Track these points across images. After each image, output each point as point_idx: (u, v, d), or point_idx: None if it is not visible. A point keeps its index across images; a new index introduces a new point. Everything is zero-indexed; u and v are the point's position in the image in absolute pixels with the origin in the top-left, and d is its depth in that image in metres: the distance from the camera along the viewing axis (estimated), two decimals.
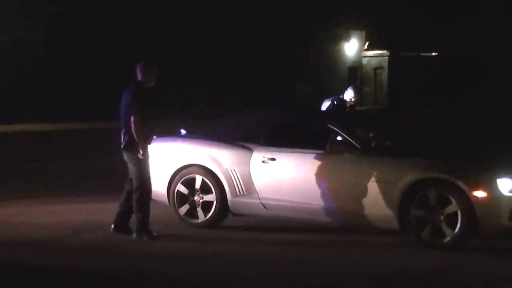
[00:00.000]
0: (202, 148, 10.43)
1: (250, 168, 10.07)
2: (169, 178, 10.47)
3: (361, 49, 42.49)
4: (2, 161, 17.70)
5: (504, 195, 8.95)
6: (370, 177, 9.42)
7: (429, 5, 41.83)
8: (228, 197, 10.18)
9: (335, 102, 12.95)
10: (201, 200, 10.31)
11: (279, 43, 36.19)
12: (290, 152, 9.96)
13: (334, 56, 40.81)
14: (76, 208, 12.03)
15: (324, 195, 9.68)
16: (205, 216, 10.28)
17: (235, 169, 10.14)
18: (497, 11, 39.71)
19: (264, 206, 10.05)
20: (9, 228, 10.45)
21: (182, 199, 10.43)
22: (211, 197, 10.26)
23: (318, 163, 9.72)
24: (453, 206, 9.03)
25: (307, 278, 8.07)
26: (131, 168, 9.69)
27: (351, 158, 9.61)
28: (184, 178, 10.42)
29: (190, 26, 33.24)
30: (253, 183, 10.07)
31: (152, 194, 9.83)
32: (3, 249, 9.28)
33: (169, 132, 11.07)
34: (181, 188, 10.42)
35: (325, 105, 12.94)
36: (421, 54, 42.95)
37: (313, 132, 10.32)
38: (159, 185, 10.37)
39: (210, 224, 10.27)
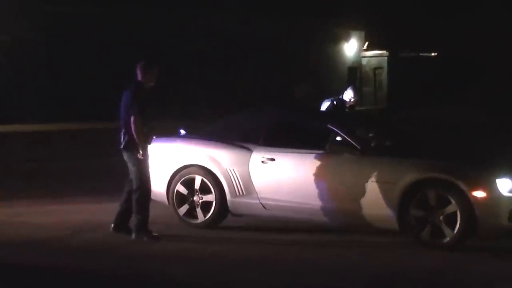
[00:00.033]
0: (201, 148, 10.43)
1: (249, 168, 10.08)
2: (168, 178, 10.48)
3: (360, 49, 42.50)
4: (2, 161, 17.71)
5: (503, 195, 8.96)
6: (370, 177, 9.43)
7: (428, 5, 41.82)
8: (227, 197, 10.19)
9: (335, 102, 12.95)
10: (200, 201, 10.32)
11: (279, 43, 36.19)
12: (289, 152, 9.96)
13: (334, 56, 40.82)
14: (76, 208, 12.04)
15: (323, 195, 9.68)
16: (205, 216, 10.29)
17: (235, 169, 10.14)
18: (497, 11, 39.71)
19: (264, 206, 10.05)
20: (9, 228, 10.46)
21: (181, 199, 10.43)
22: (210, 197, 10.26)
23: (317, 163, 9.73)
24: (453, 206, 9.04)
25: (307, 278, 8.07)
26: (131, 168, 9.69)
27: (351, 158, 9.62)
28: (183, 178, 10.42)
29: (190, 26, 33.23)
30: (252, 183, 10.07)
31: (151, 194, 9.83)
32: (3, 249, 9.29)
33: (169, 132, 11.07)
34: (180, 188, 10.42)
35: (324, 105, 12.95)
36: (421, 54, 42.96)
37: (312, 132, 10.32)
38: (158, 185, 10.38)
39: (209, 224, 10.28)
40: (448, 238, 9.10)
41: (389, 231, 9.52)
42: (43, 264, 8.64)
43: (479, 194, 8.94)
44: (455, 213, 9.03)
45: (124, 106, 9.68)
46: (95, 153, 19.16)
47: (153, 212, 9.82)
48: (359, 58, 42.52)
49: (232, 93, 32.67)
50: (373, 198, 9.39)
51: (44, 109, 28.34)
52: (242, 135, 10.37)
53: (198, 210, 10.32)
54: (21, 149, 19.79)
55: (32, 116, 26.88)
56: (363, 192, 9.45)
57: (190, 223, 10.36)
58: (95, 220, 10.89)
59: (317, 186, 9.70)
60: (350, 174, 9.58)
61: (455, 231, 9.04)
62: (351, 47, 41.66)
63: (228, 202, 10.20)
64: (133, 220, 9.78)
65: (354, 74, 41.41)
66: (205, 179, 10.28)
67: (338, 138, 9.88)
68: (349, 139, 9.74)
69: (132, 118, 9.49)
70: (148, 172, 9.67)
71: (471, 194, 8.95)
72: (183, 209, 10.41)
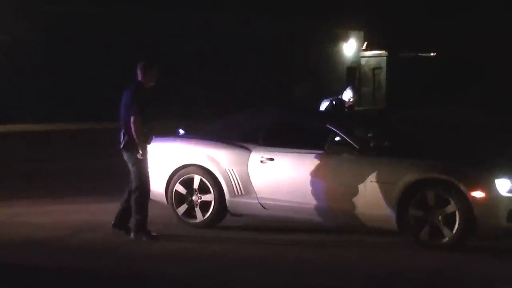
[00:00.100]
0: (200, 148, 10.44)
1: (248, 168, 10.09)
2: (167, 178, 10.48)
3: (359, 49, 42.50)
4: (2, 161, 17.71)
5: (502, 196, 8.97)
6: (369, 178, 9.43)
7: (428, 5, 41.82)
8: (226, 197, 10.20)
9: (334, 102, 12.96)
10: (199, 200, 10.32)
11: (279, 43, 36.20)
12: (288, 152, 9.97)
13: (333, 56, 40.84)
14: (76, 208, 12.05)
15: (322, 195, 9.70)
16: (203, 216, 10.30)
17: (233, 169, 10.15)
18: (497, 11, 39.71)
19: (263, 206, 10.07)
20: (9, 228, 10.46)
21: (180, 199, 10.44)
22: (209, 197, 10.27)
23: (316, 163, 9.74)
24: (452, 207, 9.05)
25: (306, 279, 8.09)
26: (131, 168, 9.71)
27: (350, 158, 9.63)
28: (182, 178, 10.43)
29: (190, 26, 33.25)
30: (251, 183, 10.09)
31: (150, 194, 9.84)
32: (3, 249, 9.30)
33: (169, 132, 11.08)
34: (179, 188, 10.43)
35: (323, 105, 12.95)
36: (420, 54, 42.96)
37: (311, 132, 10.33)
38: (157, 185, 10.38)
39: (208, 224, 10.29)
40: (447, 238, 9.11)
41: (388, 231, 9.53)
42: (43, 264, 8.65)
43: (478, 194, 8.96)
44: (454, 213, 9.05)
45: (124, 106, 9.68)
46: (95, 153, 19.16)
47: (152, 211, 9.83)
48: (358, 58, 42.53)
49: (232, 93, 32.68)
50: (372, 198, 9.41)
51: (44, 109, 28.35)
52: (242, 135, 10.38)
53: (197, 209, 10.33)
54: (21, 149, 19.80)
55: (32, 116, 26.90)
56: (362, 192, 9.46)
57: (189, 223, 10.37)
58: (95, 220, 10.90)
59: (316, 186, 9.71)
60: (349, 174, 9.59)
61: (454, 231, 9.06)
62: (350, 47, 41.67)
63: (227, 202, 10.21)
64: (132, 220, 9.78)
65: (353, 74, 41.43)
66: (204, 179, 10.29)
67: (337, 138, 9.90)
68: (348, 139, 9.75)
69: (132, 118, 9.50)
70: (148, 172, 9.68)
71: (470, 194, 8.97)
72: (182, 209, 10.42)
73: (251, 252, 9.14)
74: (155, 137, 9.97)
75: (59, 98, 29.15)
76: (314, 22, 37.94)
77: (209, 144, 10.42)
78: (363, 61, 43.04)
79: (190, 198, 10.37)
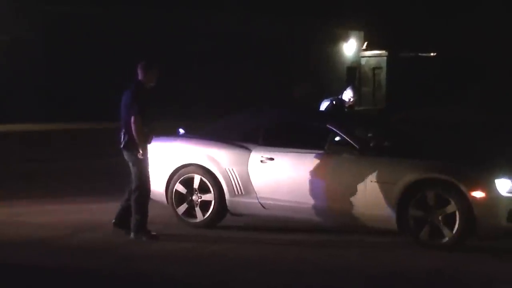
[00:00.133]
0: (200, 147, 10.44)
1: (248, 168, 10.09)
2: (167, 177, 10.47)
3: (359, 49, 42.53)
4: (2, 161, 17.72)
5: (502, 196, 8.96)
6: (369, 178, 9.43)
7: (428, 5, 41.84)
8: (226, 196, 10.19)
9: (334, 102, 12.95)
10: (199, 200, 10.32)
11: (279, 43, 36.23)
12: (288, 152, 9.97)
13: (333, 56, 40.87)
14: (76, 208, 12.05)
15: (322, 195, 9.69)
16: (204, 215, 10.29)
17: (234, 169, 10.15)
18: (497, 11, 39.73)
19: (263, 206, 10.06)
20: (9, 228, 10.46)
21: (180, 198, 10.43)
22: (209, 197, 10.27)
23: (316, 163, 9.74)
24: (452, 207, 9.04)
25: (306, 279, 8.08)
26: (131, 167, 9.70)
27: (350, 158, 9.62)
28: (182, 178, 10.42)
29: (190, 26, 33.28)
30: (251, 182, 10.08)
31: (150, 194, 9.84)
32: (3, 249, 9.29)
33: (169, 132, 11.08)
34: (179, 187, 10.43)
35: (324, 105, 12.95)
36: (420, 54, 42.99)
37: (312, 132, 10.33)
38: (157, 185, 10.37)
39: (208, 223, 10.28)
40: (447, 238, 9.11)
41: (388, 231, 9.53)
42: (43, 264, 8.65)
43: (478, 194, 8.95)
44: (454, 213, 9.04)
45: (125, 106, 9.68)
46: (95, 153, 19.17)
47: (152, 211, 9.83)
48: (358, 58, 42.57)
49: (232, 93, 32.71)
50: (372, 198, 9.40)
51: (44, 109, 28.38)
52: (242, 135, 10.37)
53: (197, 209, 10.32)
54: (21, 149, 19.83)
55: (32, 116, 26.93)
56: (362, 192, 9.46)
57: (189, 223, 10.37)
58: (95, 220, 10.90)
59: (316, 186, 9.71)
60: (349, 174, 9.58)
61: (454, 231, 9.05)
62: (350, 47, 41.71)
63: (227, 202, 10.21)
64: (132, 220, 9.78)
65: (353, 74, 41.47)
66: (204, 179, 10.29)
67: (337, 138, 9.90)
68: (348, 139, 9.74)
69: (132, 118, 9.50)
70: (148, 172, 9.68)
71: (470, 194, 8.96)
72: (182, 209, 10.41)
73: (251, 252, 9.13)
74: (155, 137, 9.97)
75: (59, 98, 29.18)
76: (314, 22, 37.97)
77: (209, 144, 10.41)
78: (363, 61, 43.08)
79: (190, 198, 10.36)
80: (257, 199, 10.06)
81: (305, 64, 37.65)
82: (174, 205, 10.45)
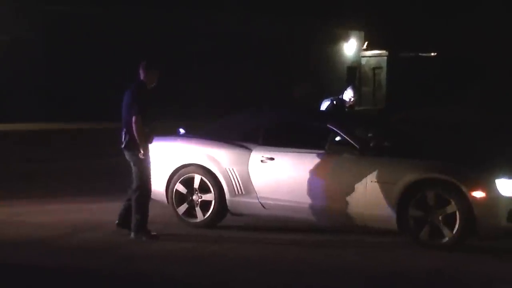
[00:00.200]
0: (200, 147, 10.44)
1: (248, 168, 10.09)
2: (167, 177, 10.48)
3: (360, 49, 42.54)
4: (2, 161, 17.72)
5: (502, 196, 8.96)
6: (369, 177, 9.43)
7: (428, 5, 41.85)
8: (226, 196, 10.19)
9: (335, 102, 12.95)
10: (199, 200, 10.32)
11: (279, 43, 36.23)
12: (289, 152, 9.97)
13: (333, 56, 40.87)
14: (76, 207, 12.05)
15: (322, 195, 9.69)
16: (204, 215, 10.29)
17: (234, 169, 10.15)
18: (497, 11, 39.73)
19: (263, 206, 10.06)
20: (9, 228, 10.46)
21: (180, 198, 10.43)
22: (209, 197, 10.27)
23: (317, 163, 9.74)
24: (452, 207, 9.05)
25: (306, 278, 8.09)
26: (132, 167, 9.71)
27: (350, 158, 9.62)
28: (182, 178, 10.43)
29: (190, 26, 33.28)
30: (251, 182, 10.08)
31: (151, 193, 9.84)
32: (3, 249, 9.29)
33: (169, 132, 11.08)
34: (179, 187, 10.43)
35: (324, 105, 12.95)
36: (420, 54, 43.00)
37: (312, 132, 10.33)
38: (157, 185, 10.37)
39: (208, 223, 10.29)
40: (447, 238, 9.11)
41: (388, 231, 9.53)
42: (43, 264, 8.65)
43: (478, 194, 8.95)
44: (454, 213, 9.04)
45: (126, 106, 9.68)
46: (95, 153, 19.18)
47: (152, 211, 9.83)
48: (358, 58, 42.57)
49: (232, 93, 32.71)
50: (372, 198, 9.40)
51: (43, 109, 28.39)
52: (242, 135, 10.38)
53: (197, 209, 10.33)
54: (21, 149, 19.82)
55: (32, 115, 26.93)
56: (362, 192, 9.46)
57: (189, 223, 10.37)
58: (95, 220, 10.90)
59: (316, 185, 9.71)
60: (349, 174, 9.58)
61: (454, 231, 9.05)
62: (350, 47, 41.70)
63: (227, 201, 10.21)
64: (133, 220, 9.77)
65: (353, 73, 41.47)
66: (204, 178, 10.29)
67: (338, 138, 9.89)
68: (348, 139, 9.74)
69: (133, 118, 9.50)
70: (149, 172, 9.67)
71: (470, 194, 8.96)
72: (182, 208, 10.41)
73: (251, 252, 9.13)
74: (156, 136, 9.97)
75: (59, 98, 29.18)
76: (314, 22, 37.98)
77: (209, 144, 10.41)
78: (363, 61, 43.09)
79: (190, 198, 10.36)
80: (258, 199, 10.06)
81: (305, 64, 37.64)
82: (174, 205, 10.45)
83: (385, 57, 42.64)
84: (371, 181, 9.41)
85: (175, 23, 32.77)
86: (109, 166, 15.79)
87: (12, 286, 7.87)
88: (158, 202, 10.49)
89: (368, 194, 9.42)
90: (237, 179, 10.13)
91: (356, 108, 14.43)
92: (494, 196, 8.95)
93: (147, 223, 9.67)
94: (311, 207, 9.75)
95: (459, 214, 9.00)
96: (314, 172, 9.72)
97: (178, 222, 10.44)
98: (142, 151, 9.51)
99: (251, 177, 10.08)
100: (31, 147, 20.22)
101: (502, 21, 39.17)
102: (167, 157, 10.55)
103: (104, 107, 22.33)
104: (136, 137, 9.51)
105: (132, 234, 9.64)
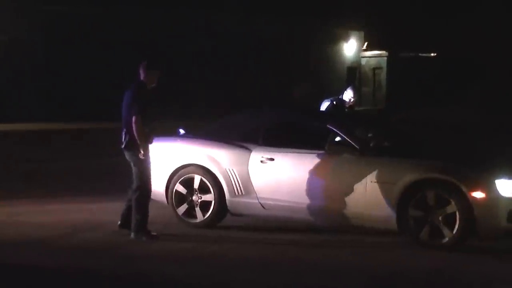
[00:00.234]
0: (200, 148, 10.44)
1: (248, 168, 10.09)
2: (167, 177, 10.48)
3: (359, 50, 42.53)
4: (2, 161, 17.72)
5: (502, 196, 8.96)
6: (369, 178, 9.43)
7: (428, 5, 41.85)
8: (226, 197, 10.19)
9: (334, 102, 12.95)
10: (199, 200, 10.32)
11: (279, 43, 36.23)
12: (289, 152, 9.96)
13: (333, 56, 40.87)
14: (76, 207, 12.05)
15: (322, 195, 9.69)
16: (204, 216, 10.29)
17: (234, 169, 10.15)
18: (497, 11, 39.74)
19: (263, 206, 10.06)
20: (9, 228, 10.46)
21: (180, 199, 10.43)
22: (209, 197, 10.27)
23: (316, 163, 9.73)
24: (452, 207, 9.04)
25: (306, 279, 8.08)
26: (132, 167, 9.70)
27: (350, 158, 9.62)
28: (182, 178, 10.42)
29: (190, 26, 33.28)
30: (251, 183, 10.08)
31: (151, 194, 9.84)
32: (3, 249, 9.29)
33: (169, 132, 11.08)
34: (179, 187, 10.43)
35: (324, 106, 12.95)
36: (420, 54, 43.00)
37: (312, 133, 10.33)
38: (157, 185, 10.37)
39: (208, 224, 10.28)
40: (447, 239, 9.10)
41: (388, 231, 9.53)
42: (43, 264, 8.64)
43: (478, 194, 8.95)
44: (454, 214, 9.04)
45: (126, 106, 9.67)
46: (95, 153, 19.18)
47: (152, 211, 9.83)
48: (358, 58, 42.57)
49: (232, 93, 32.70)
50: (372, 198, 9.40)
51: (43, 109, 28.38)
52: (242, 135, 10.37)
53: (197, 209, 10.32)
54: (21, 149, 19.82)
55: (31, 115, 26.92)
56: (362, 192, 9.45)
57: (189, 223, 10.37)
58: (95, 220, 10.90)
59: (316, 186, 9.70)
60: (349, 174, 9.58)
61: (454, 232, 9.05)
62: (350, 47, 41.70)
63: (227, 202, 10.21)
64: (133, 220, 9.77)
65: (353, 74, 41.47)
66: (204, 179, 10.29)
67: (338, 138, 9.89)
68: (348, 139, 9.74)
69: (133, 118, 9.50)
70: (150, 172, 9.67)
71: (470, 194, 8.96)
72: (182, 209, 10.41)
73: (251, 252, 9.13)
74: (156, 137, 9.96)
75: (59, 98, 29.18)
76: (314, 22, 37.98)
77: (209, 144, 10.41)
78: (363, 61, 43.09)
79: (190, 198, 10.36)
80: (257, 199, 10.05)
81: (305, 64, 37.64)
82: (174, 205, 10.45)
83: (385, 57, 42.64)
84: (371, 181, 9.41)
85: (175, 23, 32.77)
86: (109, 166, 15.79)
87: (12, 286, 7.87)
88: (158, 202, 10.49)
89: (368, 194, 9.41)
90: (237, 179, 10.13)
91: (356, 108, 14.43)
92: (494, 197, 8.95)
93: (147, 223, 9.67)
94: (311, 207, 9.74)
95: (459, 214, 9.00)
96: (314, 172, 9.72)
97: (178, 222, 10.43)
98: (142, 151, 9.51)
99: (251, 177, 10.07)
100: (31, 147, 20.22)
101: (502, 21, 39.17)
102: (167, 158, 10.54)
103: (104, 107, 22.32)
104: (136, 137, 9.50)
105: (132, 234, 9.64)
